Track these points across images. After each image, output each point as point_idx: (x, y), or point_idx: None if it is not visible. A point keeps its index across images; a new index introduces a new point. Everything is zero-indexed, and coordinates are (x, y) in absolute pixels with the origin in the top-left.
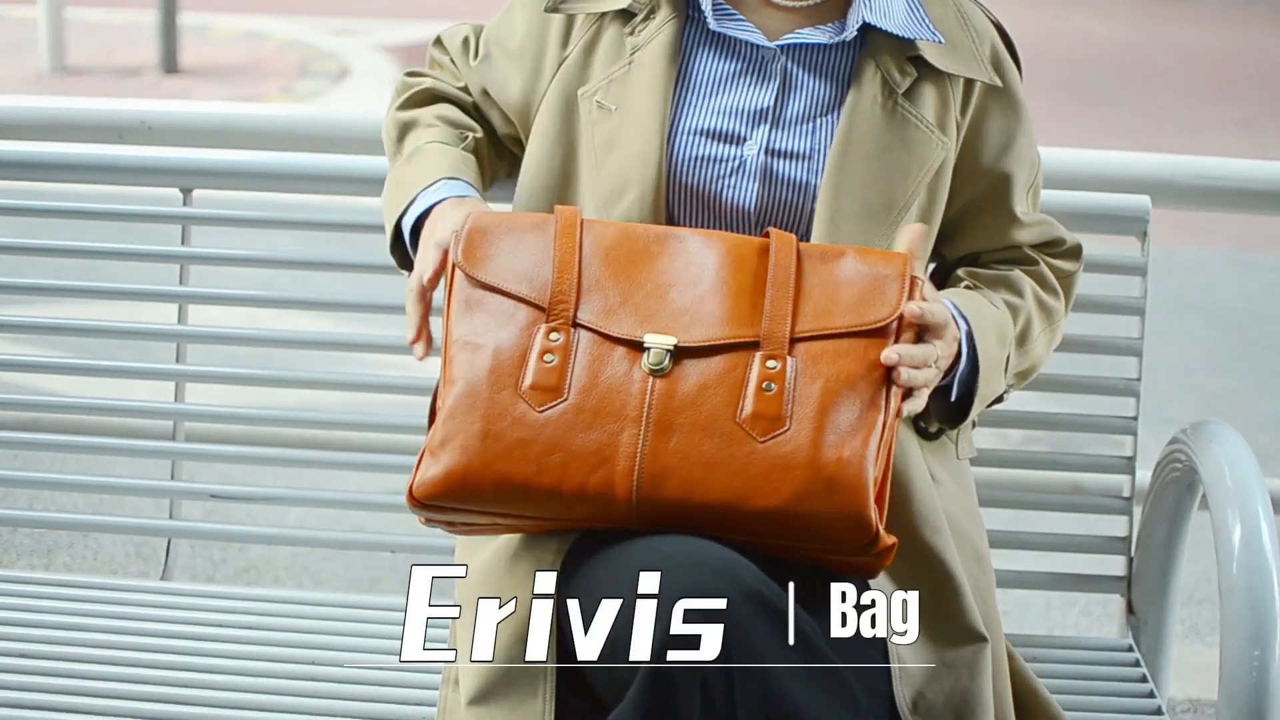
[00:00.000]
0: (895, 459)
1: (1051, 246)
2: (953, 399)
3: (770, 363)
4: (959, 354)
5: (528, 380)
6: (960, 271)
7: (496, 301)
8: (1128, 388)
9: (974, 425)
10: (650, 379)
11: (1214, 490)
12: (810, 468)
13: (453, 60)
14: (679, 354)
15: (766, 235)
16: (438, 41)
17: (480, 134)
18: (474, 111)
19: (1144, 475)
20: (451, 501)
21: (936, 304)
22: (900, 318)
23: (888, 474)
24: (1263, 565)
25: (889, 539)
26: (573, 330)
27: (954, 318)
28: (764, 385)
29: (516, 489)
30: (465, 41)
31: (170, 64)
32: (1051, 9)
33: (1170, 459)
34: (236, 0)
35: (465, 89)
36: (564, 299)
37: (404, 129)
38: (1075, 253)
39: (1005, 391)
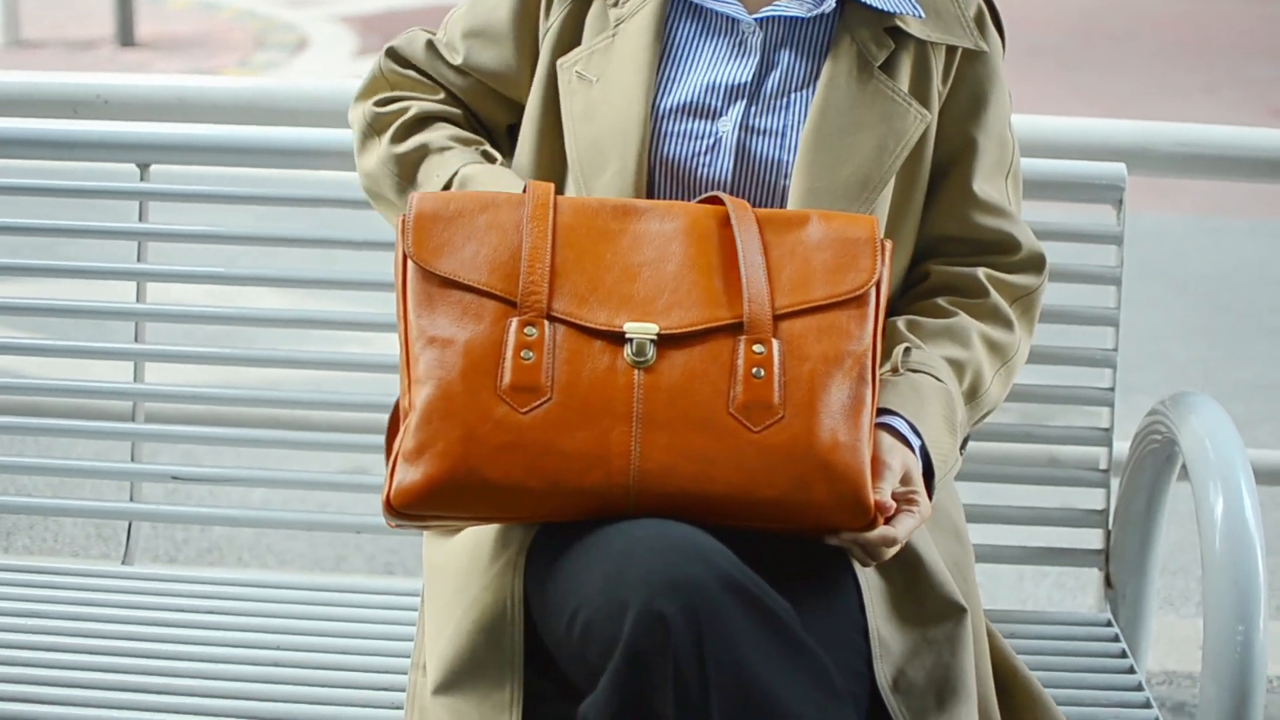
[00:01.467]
0: None
1: (1006, 253)
2: None
3: (756, 347)
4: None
5: (506, 379)
6: (900, 324)
7: (459, 294)
8: (1104, 358)
9: None
10: (635, 372)
11: (1195, 463)
12: (808, 456)
13: (421, 71)
14: (660, 342)
15: (718, 201)
16: (392, 54)
17: (486, 145)
18: (466, 124)
19: (1120, 447)
20: (434, 510)
21: (894, 472)
22: (879, 290)
23: (876, 450)
24: (1246, 539)
25: (881, 518)
26: (547, 323)
27: (907, 439)
28: (752, 371)
29: (508, 493)
30: (430, 46)
31: (126, 37)
32: None
33: (1149, 430)
34: None
35: (446, 98)
36: (536, 290)
37: (412, 161)
38: (1036, 264)
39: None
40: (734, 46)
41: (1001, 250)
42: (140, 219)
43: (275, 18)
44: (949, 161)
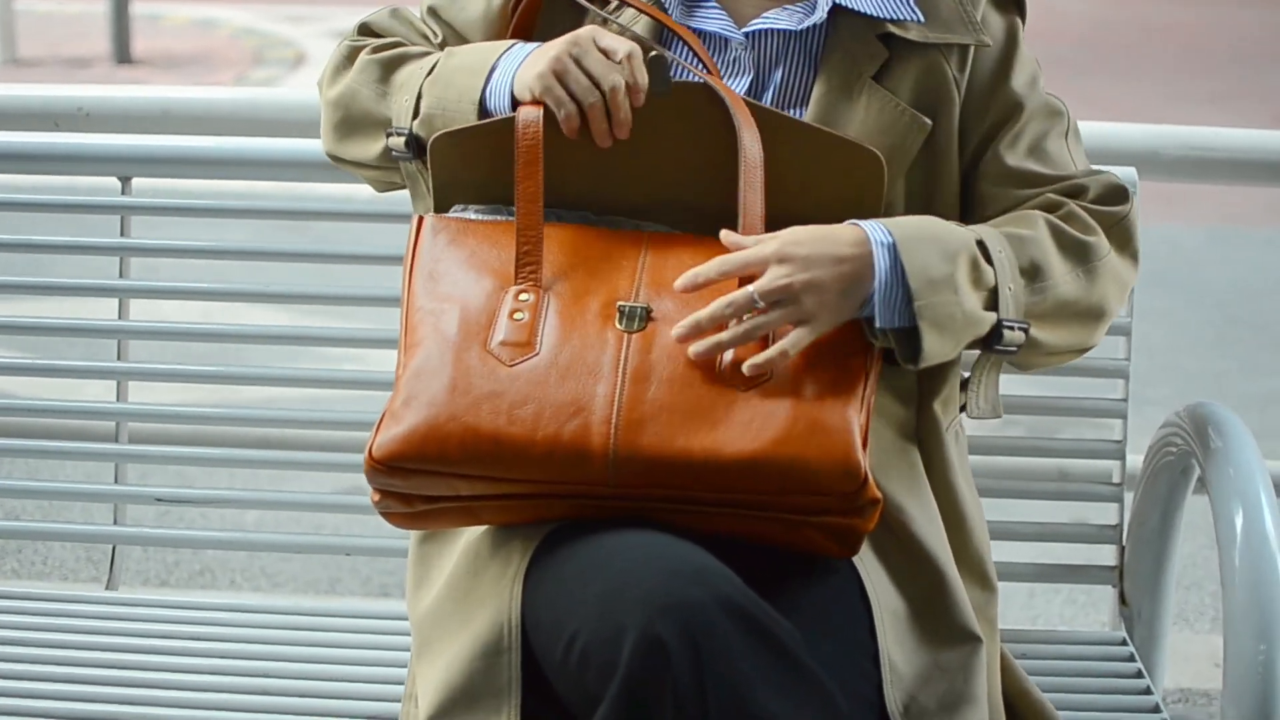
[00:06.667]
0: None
1: (1078, 196)
2: (880, 324)
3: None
4: (870, 273)
5: (497, 337)
6: None
7: (462, 271)
8: (1116, 369)
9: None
10: (626, 336)
11: (1214, 477)
12: (794, 411)
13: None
14: (652, 314)
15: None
16: (365, 29)
17: None
18: None
19: (1133, 460)
20: (415, 462)
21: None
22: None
23: (869, 424)
24: (1267, 554)
25: (875, 491)
26: (542, 291)
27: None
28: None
29: (486, 443)
30: (406, 22)
31: (123, 54)
32: None
33: (1164, 443)
34: None
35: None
36: (532, 260)
37: (393, 63)
38: (1116, 196)
39: (1014, 329)
40: (727, 64)
41: (1070, 195)
42: (121, 233)
43: (273, 34)
44: (978, 151)
